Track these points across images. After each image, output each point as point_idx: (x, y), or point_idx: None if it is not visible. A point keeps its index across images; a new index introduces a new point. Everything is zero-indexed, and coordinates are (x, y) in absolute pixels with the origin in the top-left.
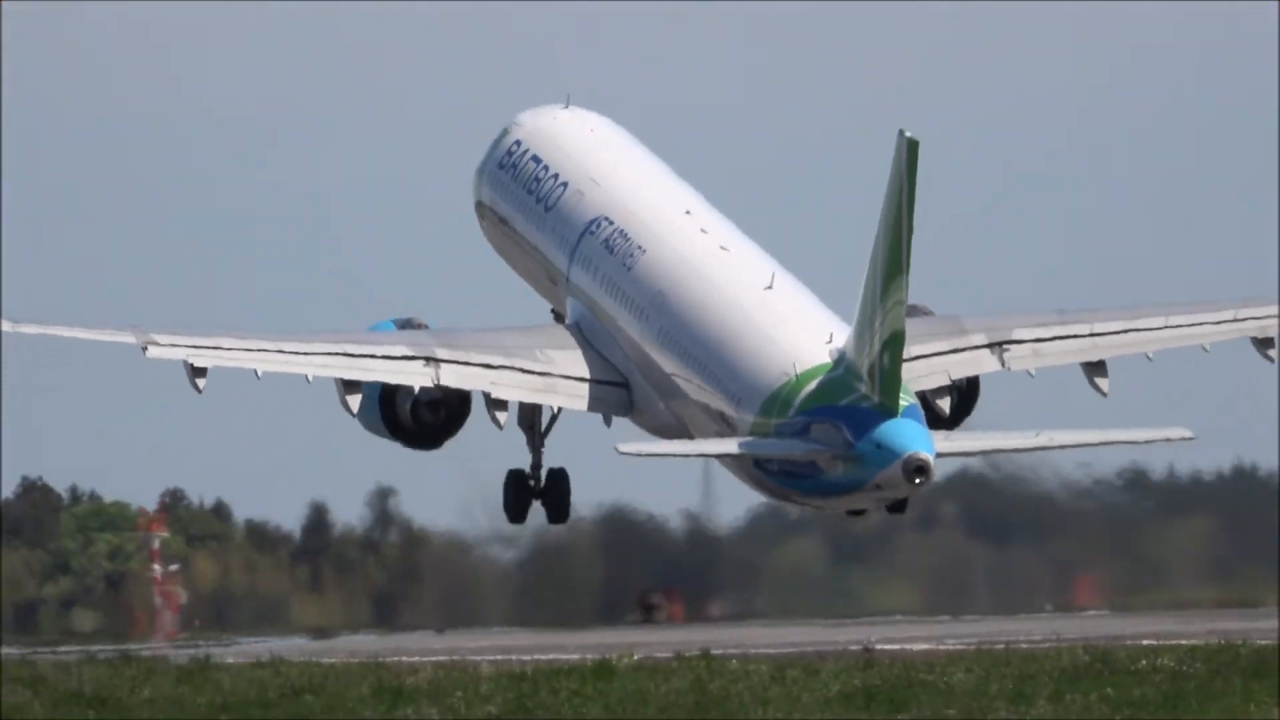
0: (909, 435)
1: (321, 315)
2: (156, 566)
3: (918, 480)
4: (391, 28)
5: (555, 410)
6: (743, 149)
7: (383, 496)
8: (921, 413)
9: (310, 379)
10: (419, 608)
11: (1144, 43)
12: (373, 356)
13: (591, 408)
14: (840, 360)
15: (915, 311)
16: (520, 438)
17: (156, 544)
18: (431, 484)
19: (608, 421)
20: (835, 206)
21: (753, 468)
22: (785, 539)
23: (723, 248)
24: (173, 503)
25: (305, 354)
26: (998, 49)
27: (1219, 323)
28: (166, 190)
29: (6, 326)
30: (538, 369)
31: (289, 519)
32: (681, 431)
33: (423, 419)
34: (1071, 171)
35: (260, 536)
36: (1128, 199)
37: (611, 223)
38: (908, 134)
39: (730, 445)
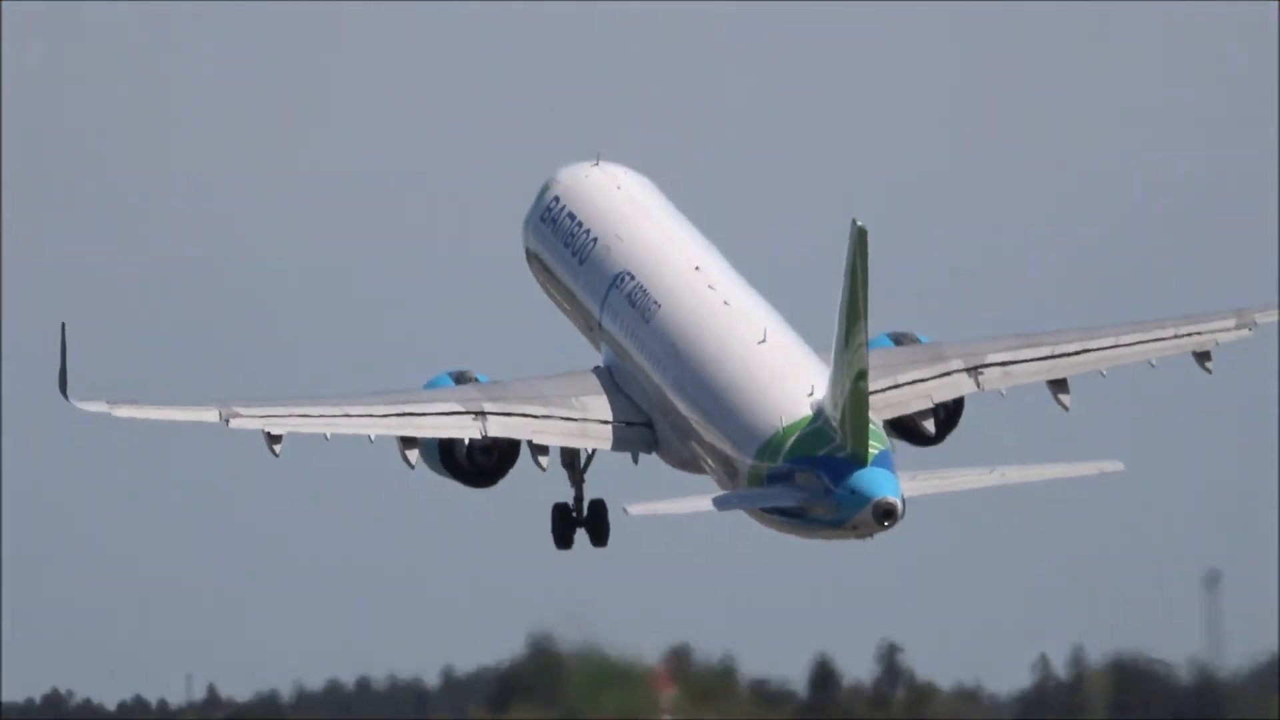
0: (878, 483)
1: (384, 370)
2: None
3: (885, 523)
4: (441, 78)
5: (591, 450)
6: (759, 199)
7: (891, 651)
8: (892, 458)
9: (372, 439)
10: None
11: (1126, 56)
12: (428, 415)
13: (619, 448)
14: (819, 413)
15: (905, 339)
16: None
17: (665, 703)
18: (939, 637)
19: (635, 459)
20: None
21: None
22: None
23: (726, 303)
24: (679, 658)
25: (368, 416)
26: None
27: (1162, 340)
28: (216, 252)
29: (100, 408)
30: (573, 415)
31: (794, 673)
32: (699, 466)
33: (477, 462)
34: (1039, 199)
35: (764, 694)
36: (1090, 223)
37: (633, 278)
38: (859, 223)
39: (732, 500)
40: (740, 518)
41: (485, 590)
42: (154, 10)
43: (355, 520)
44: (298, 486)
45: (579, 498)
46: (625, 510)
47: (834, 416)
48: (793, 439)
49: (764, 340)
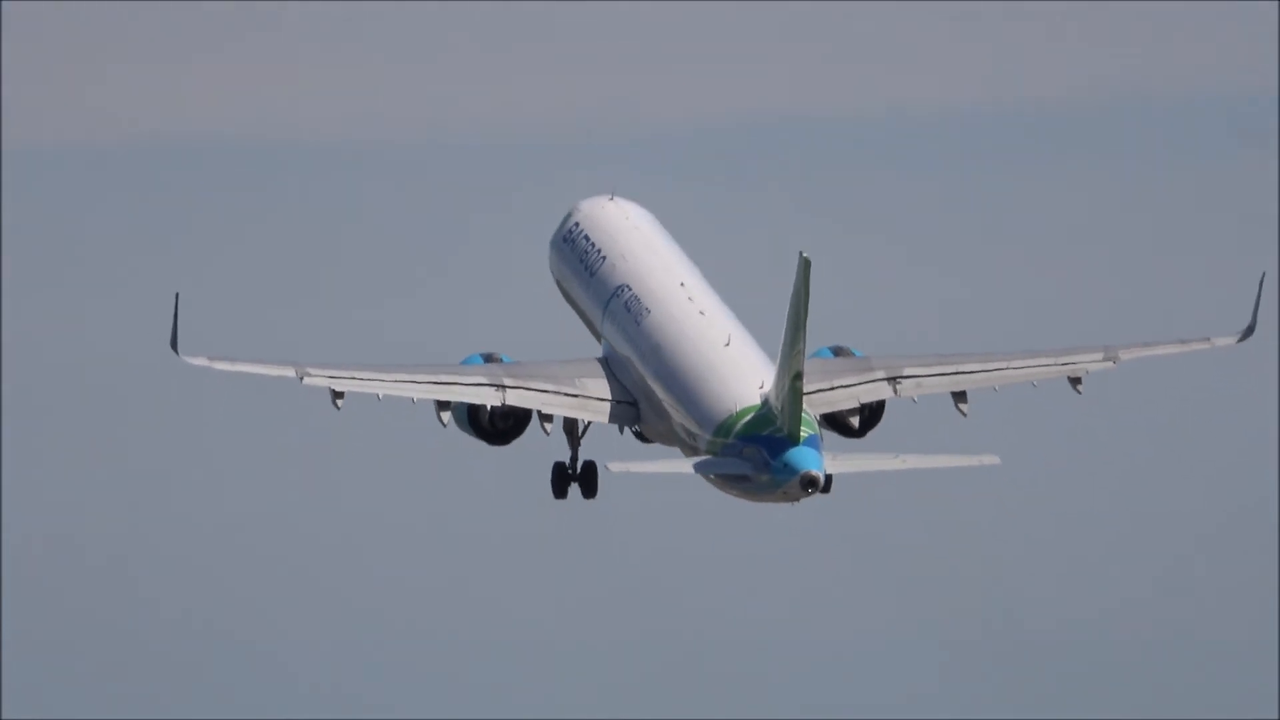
0: (805, 458)
1: (430, 348)
2: None
3: (809, 489)
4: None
5: (587, 421)
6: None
7: None
8: (819, 440)
9: (415, 400)
10: None
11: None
12: (460, 384)
13: (611, 420)
14: (765, 403)
15: (842, 351)
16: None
17: None
18: None
19: (621, 430)
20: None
21: (713, 475)
22: None
23: (701, 312)
24: None
25: (412, 382)
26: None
27: (1044, 366)
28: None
29: (202, 362)
30: (575, 392)
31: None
32: (672, 439)
33: (497, 425)
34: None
35: None
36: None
37: (630, 289)
38: (804, 254)
39: (688, 465)
40: (698, 481)
41: (495, 525)
42: None
43: (394, 463)
44: (355, 438)
45: (574, 459)
46: (607, 466)
47: (776, 406)
48: (743, 421)
49: (728, 344)
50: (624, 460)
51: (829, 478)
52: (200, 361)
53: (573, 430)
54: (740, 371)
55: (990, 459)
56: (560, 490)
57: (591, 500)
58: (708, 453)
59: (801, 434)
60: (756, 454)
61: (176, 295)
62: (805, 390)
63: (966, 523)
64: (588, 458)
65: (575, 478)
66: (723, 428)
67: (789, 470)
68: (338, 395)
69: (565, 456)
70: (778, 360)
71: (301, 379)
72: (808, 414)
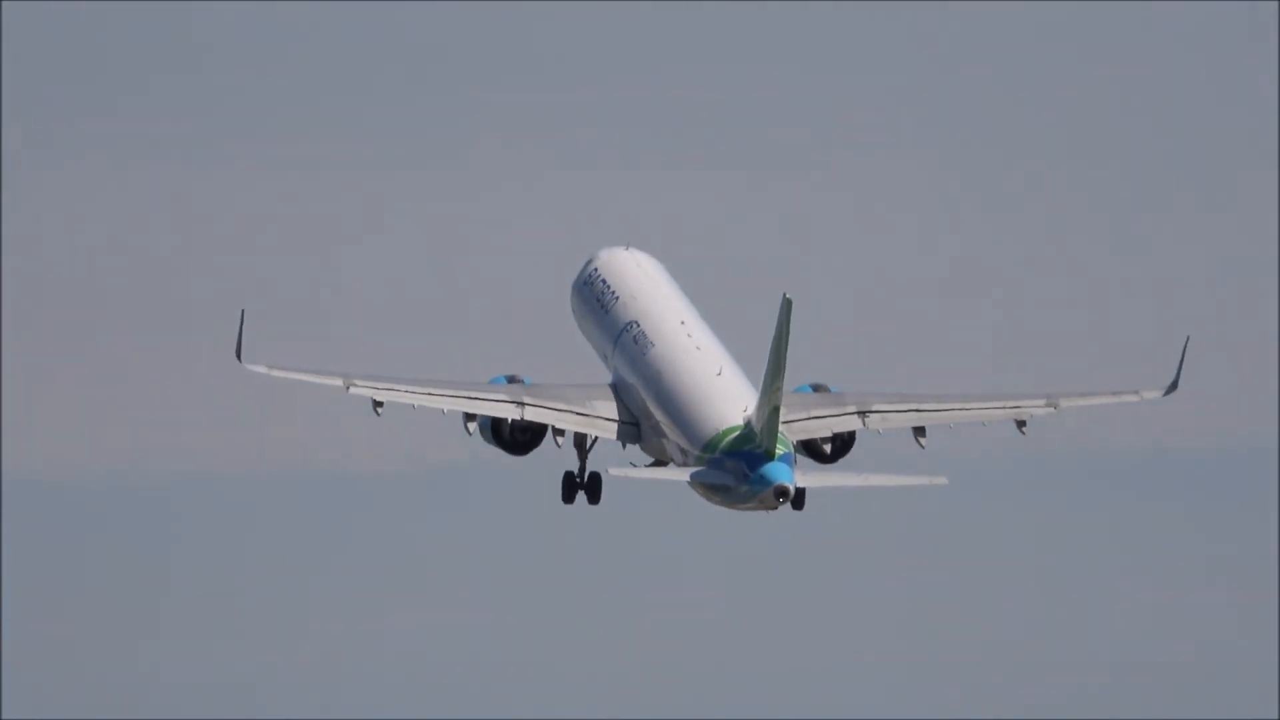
0: (778, 472)
1: (464, 369)
2: None
3: (780, 499)
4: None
5: (594, 437)
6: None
7: None
8: (792, 456)
9: (445, 411)
10: None
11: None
12: (485, 400)
13: (616, 438)
14: (748, 424)
15: (821, 388)
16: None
17: None
18: None
19: (624, 446)
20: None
21: (700, 485)
22: None
23: (697, 347)
24: None
25: (444, 396)
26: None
27: (993, 409)
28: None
29: (261, 369)
30: (585, 412)
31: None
32: (665, 455)
33: (516, 438)
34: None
35: None
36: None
37: (638, 326)
38: (787, 295)
39: (685, 474)
40: (685, 490)
41: (508, 523)
42: None
43: (422, 465)
44: (392, 445)
45: (582, 469)
46: (608, 471)
47: (756, 427)
48: (728, 439)
49: (720, 374)
50: (624, 468)
51: (801, 492)
52: (260, 369)
53: (582, 445)
54: (727, 397)
55: (940, 480)
56: (569, 496)
57: (595, 506)
58: (696, 465)
59: (777, 451)
60: (737, 467)
61: (242, 311)
62: (787, 420)
63: (920, 539)
64: (594, 469)
65: (582, 486)
66: (710, 444)
67: (764, 481)
68: (378, 404)
69: (574, 467)
70: (760, 389)
71: (348, 388)
72: (783, 435)
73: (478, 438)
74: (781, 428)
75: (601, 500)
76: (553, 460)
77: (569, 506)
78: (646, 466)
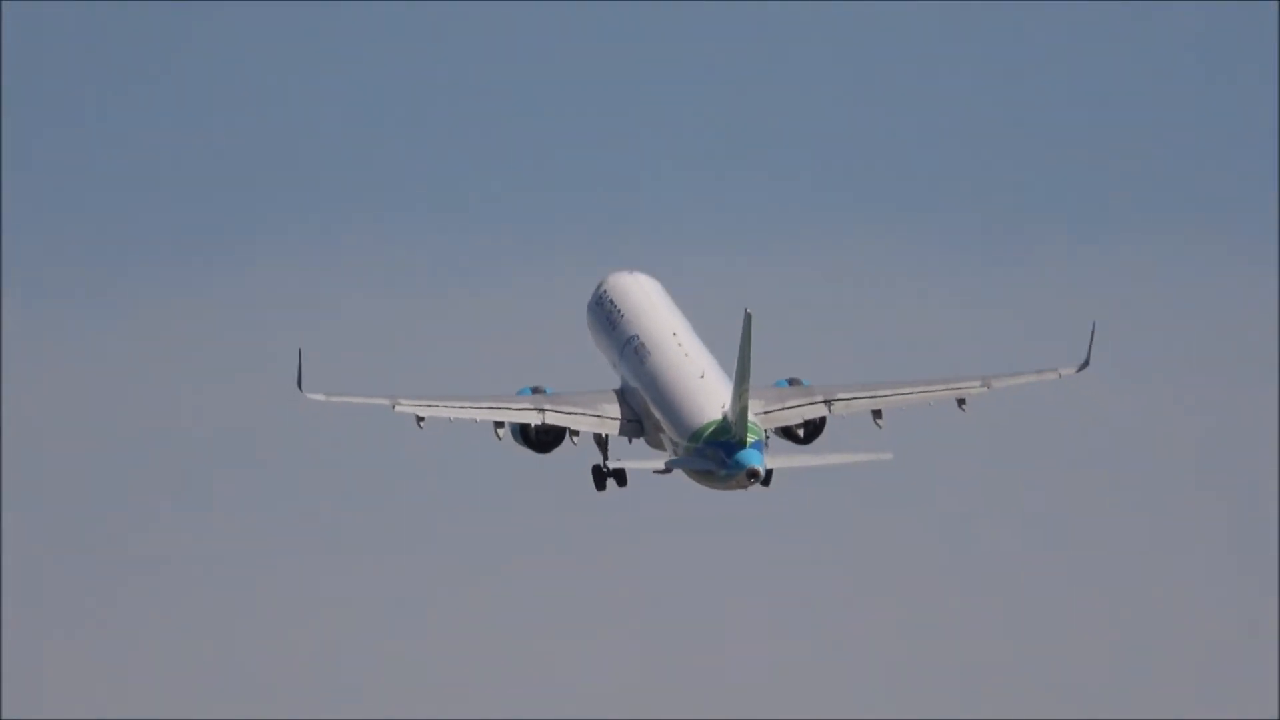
0: (750, 457)
1: (492, 382)
2: None
3: (751, 480)
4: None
5: (607, 433)
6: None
7: None
8: (763, 443)
9: (477, 421)
10: None
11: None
12: (510, 409)
13: (622, 433)
14: (725, 418)
15: (794, 381)
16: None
17: None
18: None
19: (630, 441)
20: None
21: (687, 469)
22: None
23: (686, 355)
24: None
25: (475, 408)
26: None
27: (937, 391)
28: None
29: (320, 397)
30: (596, 414)
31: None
32: (661, 445)
33: (541, 439)
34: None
35: None
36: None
37: (639, 338)
38: (748, 310)
39: (673, 461)
40: (678, 474)
41: (551, 509)
42: None
43: (461, 464)
44: (431, 455)
45: (605, 459)
46: (617, 460)
47: (732, 421)
48: (709, 431)
49: (703, 377)
50: (623, 459)
51: (769, 472)
52: (319, 396)
53: (600, 441)
54: (710, 397)
55: (885, 455)
56: (600, 484)
57: (624, 489)
58: (684, 453)
59: (748, 440)
60: (717, 454)
61: (300, 351)
62: (766, 410)
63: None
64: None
65: (610, 474)
66: (695, 435)
67: (738, 465)
68: (420, 419)
69: (599, 460)
70: (732, 390)
71: (394, 407)
72: (754, 425)
73: (508, 440)
74: (758, 418)
75: (627, 484)
76: (572, 458)
77: (601, 493)
78: (646, 454)
